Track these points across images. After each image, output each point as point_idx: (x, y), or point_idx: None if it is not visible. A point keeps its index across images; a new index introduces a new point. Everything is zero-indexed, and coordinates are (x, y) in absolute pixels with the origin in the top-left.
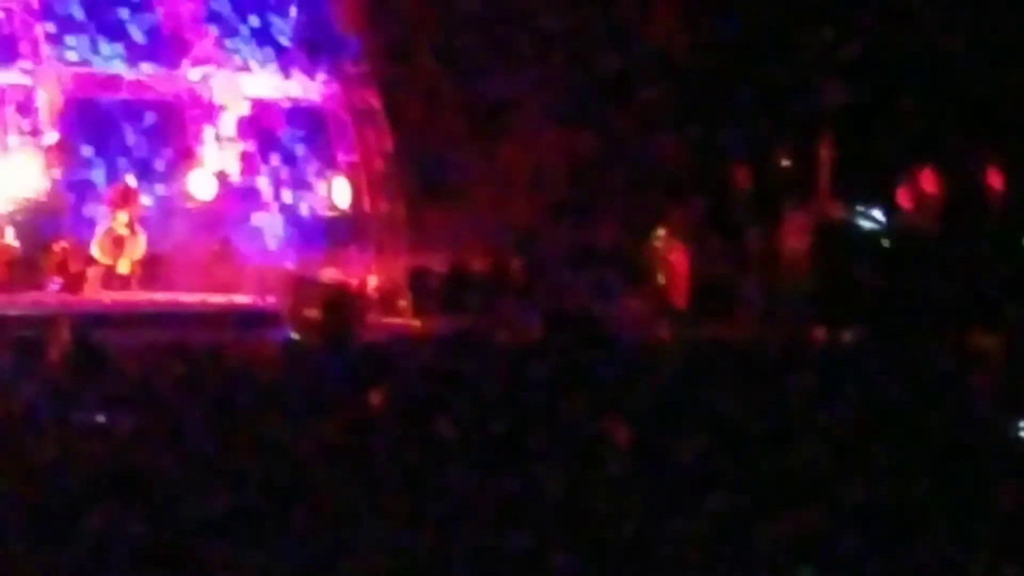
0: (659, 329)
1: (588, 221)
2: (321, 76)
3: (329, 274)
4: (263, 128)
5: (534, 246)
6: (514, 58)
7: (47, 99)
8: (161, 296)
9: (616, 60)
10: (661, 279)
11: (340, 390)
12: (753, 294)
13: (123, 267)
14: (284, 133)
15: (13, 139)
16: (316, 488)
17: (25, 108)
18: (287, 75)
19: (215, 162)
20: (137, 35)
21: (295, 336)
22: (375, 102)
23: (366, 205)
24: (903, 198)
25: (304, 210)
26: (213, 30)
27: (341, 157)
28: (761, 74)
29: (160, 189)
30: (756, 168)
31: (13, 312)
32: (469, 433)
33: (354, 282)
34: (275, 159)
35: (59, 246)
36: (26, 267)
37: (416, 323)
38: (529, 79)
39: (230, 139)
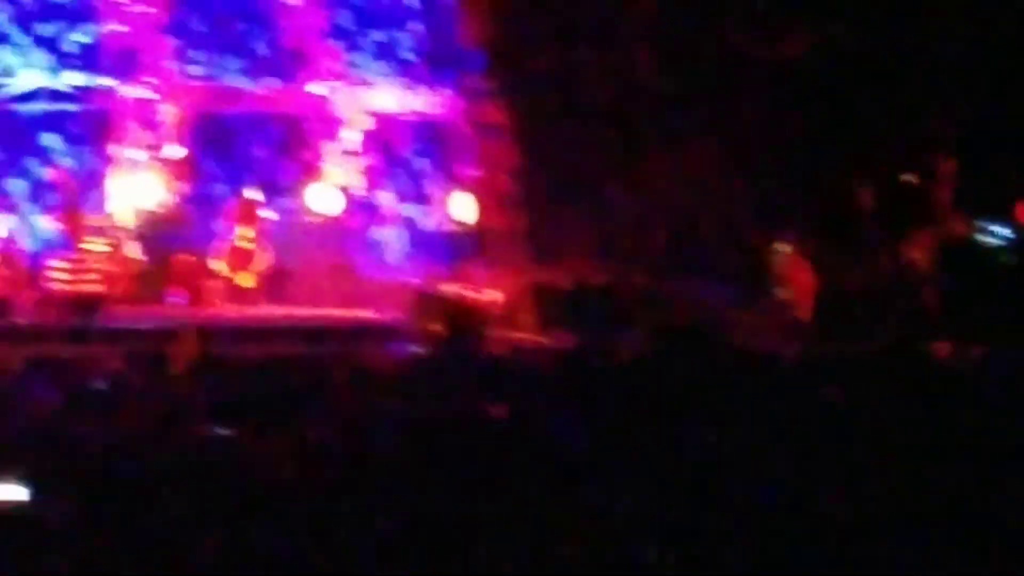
0: (783, 344)
1: (711, 234)
2: (445, 90)
3: (452, 288)
4: (386, 142)
5: (657, 260)
6: (635, 72)
7: (172, 113)
8: (284, 310)
9: (740, 75)
10: (785, 293)
11: (463, 405)
12: (878, 310)
13: (246, 281)
14: (407, 147)
15: (138, 153)
16: (443, 501)
17: (150, 122)
18: (410, 89)
19: (338, 176)
20: (261, 49)
21: (418, 350)
22: (499, 116)
23: (490, 219)
24: (1022, 214)
25: (427, 224)
26: (337, 44)
27: (465, 171)
28: (886, 93)
29: (283, 203)
30: (881, 185)
31: (138, 325)
32: (592, 448)
33: (477, 296)
34: (398, 173)
35: (183, 260)
36: (150, 280)
37: (539, 338)
38: (652, 93)
39: (353, 153)
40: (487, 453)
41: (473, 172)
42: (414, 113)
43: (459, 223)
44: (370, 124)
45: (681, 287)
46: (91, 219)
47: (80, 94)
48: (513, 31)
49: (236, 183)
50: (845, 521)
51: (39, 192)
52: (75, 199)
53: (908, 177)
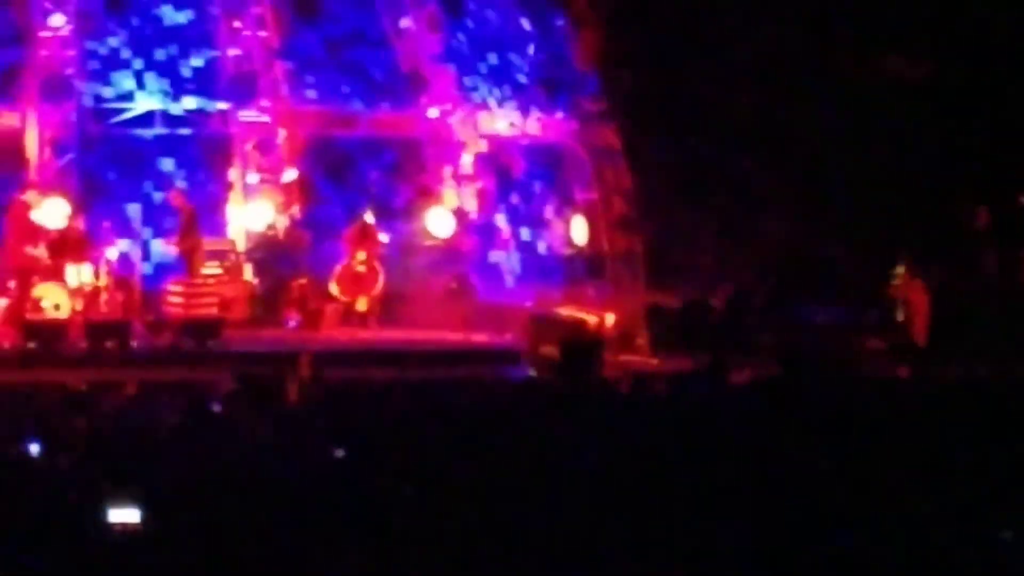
0: (899, 367)
1: (828, 256)
2: (559, 113)
3: (567, 311)
4: (501, 166)
5: (773, 282)
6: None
7: (286, 137)
8: (399, 334)
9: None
10: (901, 316)
11: (578, 427)
12: (994, 332)
13: (361, 304)
14: (522, 170)
15: (253, 177)
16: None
17: (265, 146)
18: (525, 113)
19: (453, 200)
20: (376, 73)
21: (533, 374)
22: (613, 140)
23: (604, 242)
24: None
25: (542, 248)
26: (452, 68)
27: (579, 195)
28: (1002, 115)
29: (398, 227)
30: (996, 207)
31: (253, 349)
32: (705, 471)
33: (592, 319)
34: (513, 197)
35: (298, 283)
36: (265, 304)
37: (653, 360)
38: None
39: (468, 177)
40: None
41: (587, 195)
42: (529, 136)
43: (574, 246)
44: (485, 147)
45: (798, 310)
46: (208, 243)
47: (196, 118)
48: (627, 53)
49: (351, 207)
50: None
51: (155, 216)
52: (193, 223)
53: None
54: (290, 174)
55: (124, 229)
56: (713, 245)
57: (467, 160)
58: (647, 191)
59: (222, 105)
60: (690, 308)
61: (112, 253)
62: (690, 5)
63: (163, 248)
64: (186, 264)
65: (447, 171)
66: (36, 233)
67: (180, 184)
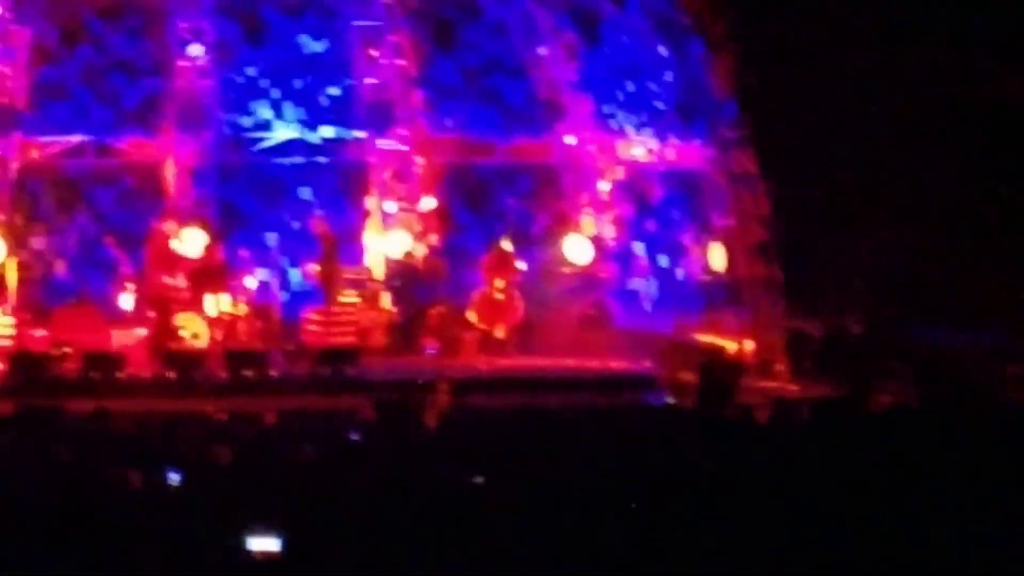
0: None
1: (968, 282)
2: (696, 140)
3: (705, 338)
4: (639, 192)
5: (913, 308)
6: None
7: (424, 165)
8: (537, 360)
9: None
10: None
11: (717, 454)
12: None
13: (499, 332)
14: (660, 197)
15: (390, 205)
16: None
17: (402, 174)
18: (663, 139)
19: (591, 227)
20: (513, 101)
21: (671, 400)
22: (751, 166)
23: (742, 268)
24: None
25: (680, 274)
26: (589, 96)
27: (717, 221)
28: None
29: (536, 254)
30: None
31: (391, 377)
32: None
33: (730, 346)
34: (651, 223)
35: (436, 311)
36: (403, 332)
37: (793, 387)
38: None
39: (606, 204)
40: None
41: (725, 221)
42: (666, 163)
43: (712, 272)
44: (622, 174)
45: (938, 335)
46: (346, 271)
47: (334, 147)
48: (764, 79)
49: (489, 234)
50: None
51: (293, 244)
52: (334, 251)
53: None
54: (428, 202)
55: (262, 258)
56: (850, 269)
57: (604, 187)
58: (785, 217)
59: (359, 133)
60: (831, 334)
61: (251, 282)
62: (825, 28)
63: (305, 273)
64: (326, 292)
65: (584, 198)
66: (175, 263)
67: (318, 213)
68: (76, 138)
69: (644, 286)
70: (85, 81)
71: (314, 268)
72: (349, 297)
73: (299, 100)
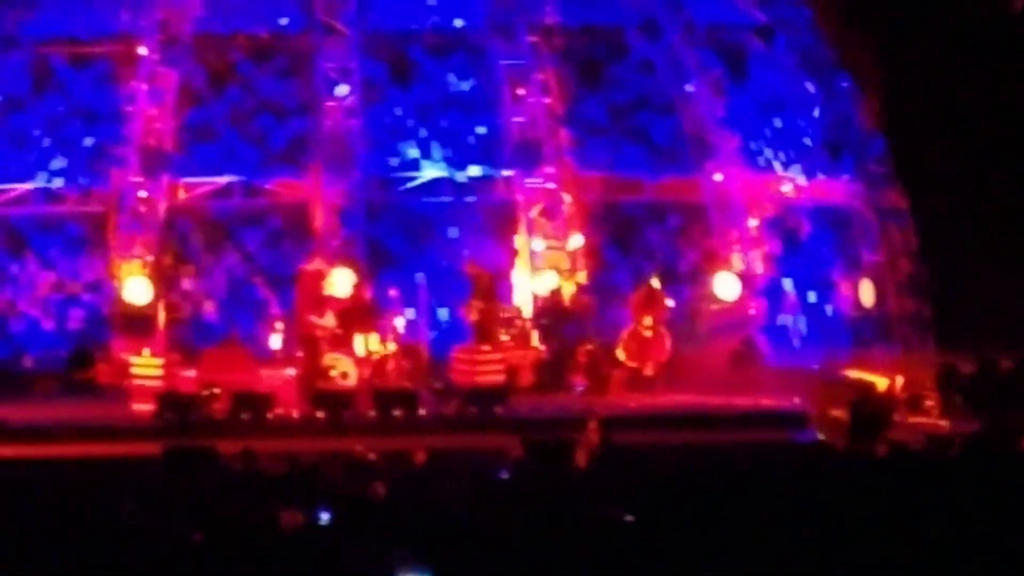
0: None
1: None
2: (845, 176)
3: (855, 374)
4: (787, 228)
5: None
6: None
7: (572, 203)
8: (686, 397)
9: None
10: None
11: (869, 491)
12: None
13: (648, 369)
14: (808, 233)
15: (538, 243)
16: None
17: (550, 212)
18: (811, 175)
19: (739, 263)
20: (660, 139)
21: (821, 437)
22: (899, 201)
23: (892, 304)
24: None
25: (829, 310)
26: (736, 132)
27: (866, 257)
28: None
29: (684, 291)
30: None
31: (540, 415)
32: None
33: (881, 382)
34: (799, 259)
35: (584, 349)
36: (552, 370)
37: (943, 423)
38: None
39: (754, 240)
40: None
41: (874, 256)
42: (814, 199)
43: (861, 308)
44: (771, 211)
45: None
46: (495, 310)
47: (481, 186)
48: (912, 114)
49: (637, 272)
50: None
51: (441, 283)
52: (491, 290)
53: None
54: (576, 240)
55: (411, 297)
56: (1000, 304)
57: (753, 223)
58: (933, 252)
59: (507, 172)
60: (981, 369)
61: (399, 321)
62: (972, 61)
63: (464, 313)
64: (482, 331)
65: (733, 235)
66: (323, 303)
67: (467, 254)
68: (224, 179)
69: (793, 322)
70: (233, 122)
71: (476, 307)
72: (498, 336)
73: (446, 139)
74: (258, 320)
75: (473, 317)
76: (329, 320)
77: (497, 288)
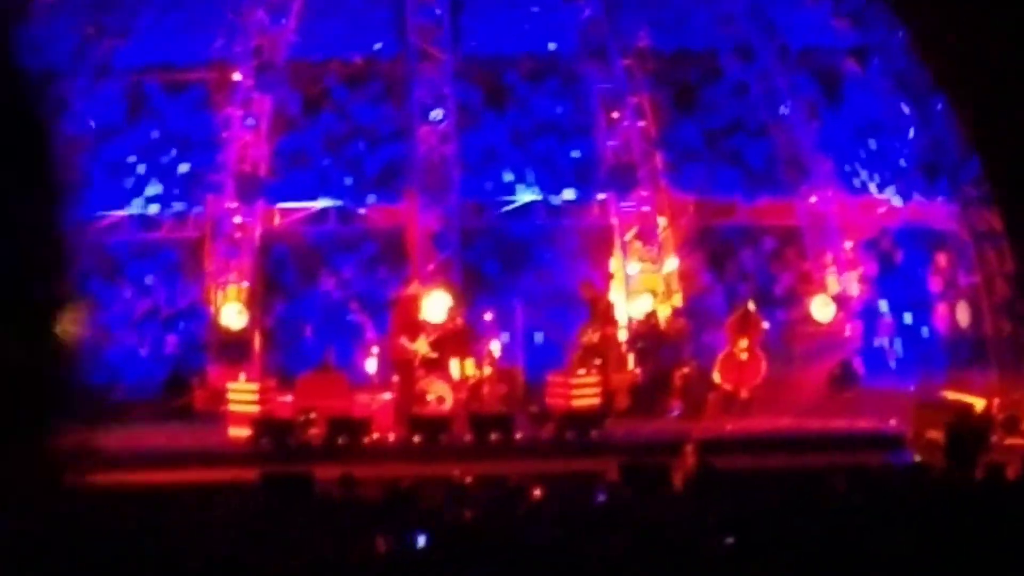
0: None
1: None
2: (940, 197)
3: (952, 396)
4: (883, 251)
5: None
6: None
7: (667, 226)
8: (783, 420)
9: None
10: None
11: (967, 513)
12: None
13: (744, 392)
14: (904, 255)
15: (634, 266)
16: None
17: (645, 236)
18: (906, 197)
19: (835, 285)
20: (755, 162)
21: (918, 459)
22: (996, 223)
23: (988, 326)
24: None
25: (925, 332)
26: (831, 155)
27: (962, 278)
28: None
29: (780, 314)
30: None
31: (636, 439)
32: None
33: (978, 404)
34: (895, 281)
35: (680, 372)
36: (648, 393)
37: None
38: None
39: (850, 262)
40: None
41: (970, 278)
42: (909, 221)
43: (957, 330)
44: (866, 233)
45: None
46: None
47: (576, 209)
48: (1007, 135)
49: (732, 295)
50: None
51: (537, 307)
52: (609, 313)
53: None
54: (671, 263)
55: (506, 321)
56: None
57: (848, 245)
58: None
59: (602, 196)
60: None
61: (495, 345)
62: None
63: (580, 338)
64: (601, 355)
65: (828, 257)
66: (419, 327)
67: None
68: (319, 204)
69: (889, 344)
70: (327, 148)
71: (595, 331)
72: (592, 359)
73: (541, 163)
74: (354, 345)
75: (592, 341)
76: (423, 344)
77: (614, 310)
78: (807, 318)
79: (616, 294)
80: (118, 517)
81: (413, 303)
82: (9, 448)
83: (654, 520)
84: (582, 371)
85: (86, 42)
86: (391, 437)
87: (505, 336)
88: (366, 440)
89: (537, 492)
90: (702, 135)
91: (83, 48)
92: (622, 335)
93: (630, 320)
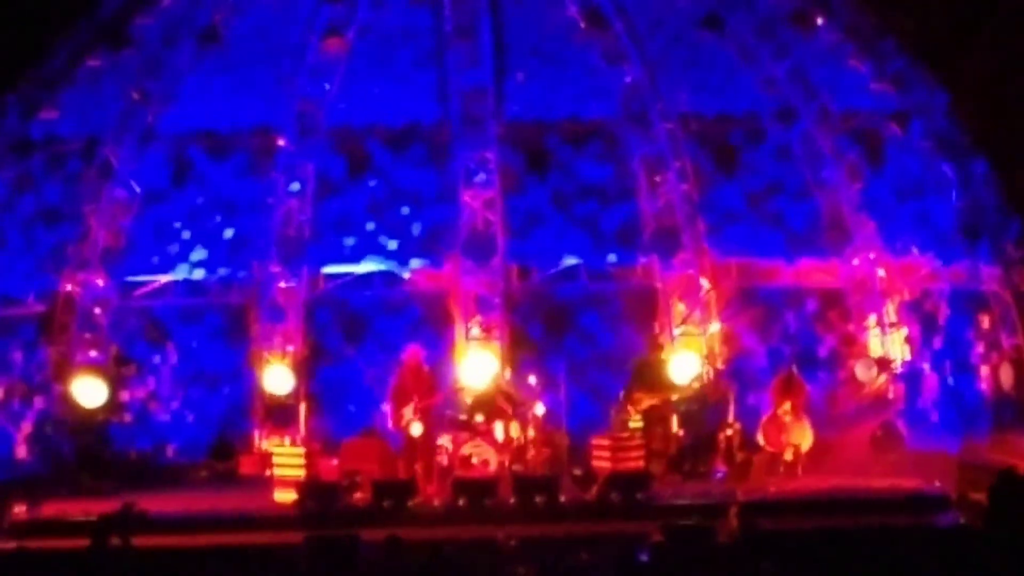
0: None
1: None
2: (982, 259)
3: (996, 457)
4: (926, 312)
5: None
6: None
7: (710, 289)
8: (827, 482)
9: None
10: None
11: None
12: None
13: (788, 454)
14: (947, 317)
15: (678, 329)
16: None
17: (689, 298)
18: (949, 259)
19: (878, 348)
20: (797, 224)
21: (962, 520)
22: None
23: None
24: None
25: (968, 394)
26: (873, 217)
27: (1006, 340)
28: None
29: (823, 376)
30: None
31: (680, 501)
32: None
33: (1021, 465)
34: (938, 343)
35: (724, 434)
36: (692, 456)
37: None
38: None
39: (893, 324)
40: None
41: (1014, 340)
42: (952, 282)
43: (1001, 391)
44: (908, 295)
45: None
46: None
47: (619, 273)
48: None
49: (776, 357)
50: None
51: (580, 370)
52: (658, 378)
53: None
54: (714, 326)
55: (550, 384)
56: None
57: (891, 307)
58: None
59: (645, 259)
60: None
61: (539, 408)
62: None
63: (633, 404)
64: (646, 417)
65: (871, 319)
66: (408, 394)
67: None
68: (363, 268)
69: (932, 406)
70: (370, 212)
71: (646, 397)
72: (636, 422)
73: (583, 226)
74: None
75: (643, 407)
76: (409, 412)
77: (664, 375)
78: (850, 380)
79: (660, 357)
80: None
81: (406, 369)
82: None
83: None
84: (626, 433)
85: (131, 107)
86: (436, 500)
87: (549, 398)
88: (411, 503)
89: (584, 555)
90: (744, 197)
91: (128, 113)
92: (667, 398)
93: (678, 383)
